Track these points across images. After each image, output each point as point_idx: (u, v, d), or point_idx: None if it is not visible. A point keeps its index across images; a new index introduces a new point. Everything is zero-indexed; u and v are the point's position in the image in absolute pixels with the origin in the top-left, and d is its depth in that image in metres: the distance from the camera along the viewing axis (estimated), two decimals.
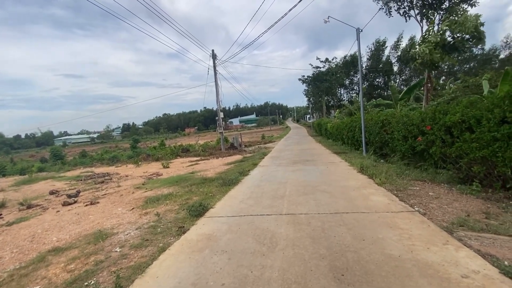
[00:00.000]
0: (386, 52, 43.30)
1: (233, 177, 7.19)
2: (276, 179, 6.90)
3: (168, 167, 13.10)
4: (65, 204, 7.06)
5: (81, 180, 12.15)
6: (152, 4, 53.24)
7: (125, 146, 49.39)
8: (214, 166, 11.39)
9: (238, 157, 14.47)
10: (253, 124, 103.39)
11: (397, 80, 44.19)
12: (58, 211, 6.52)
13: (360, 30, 9.61)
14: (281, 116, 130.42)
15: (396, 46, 41.07)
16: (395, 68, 42.64)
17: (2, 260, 3.75)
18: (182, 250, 3.16)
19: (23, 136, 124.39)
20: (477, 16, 8.21)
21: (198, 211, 4.45)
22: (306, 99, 57.36)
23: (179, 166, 13.24)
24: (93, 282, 2.68)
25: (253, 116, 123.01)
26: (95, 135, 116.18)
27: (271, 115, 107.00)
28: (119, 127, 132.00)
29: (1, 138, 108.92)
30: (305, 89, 50.06)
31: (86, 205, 6.66)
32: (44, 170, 23.86)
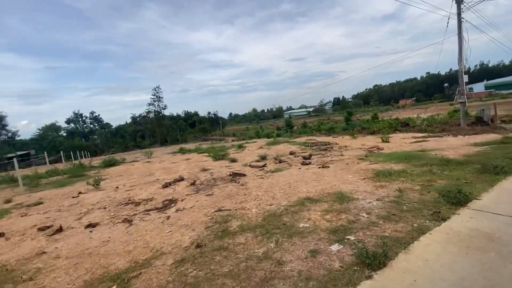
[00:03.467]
0: None
1: (503, 163, 5.10)
2: None
3: (387, 142, 12.18)
4: (303, 164, 8.66)
5: (308, 146, 14.46)
6: None
7: (336, 119, 52.80)
8: (452, 146, 8.97)
9: (492, 136, 10.40)
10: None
11: None
12: (300, 168, 8.11)
13: None
14: None
15: None
16: None
17: (276, 196, 5.22)
18: (450, 240, 2.62)
19: (265, 111, 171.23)
20: None
21: (457, 199, 3.56)
22: None
23: (401, 142, 11.85)
24: (353, 238, 2.91)
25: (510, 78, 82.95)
26: (311, 109, 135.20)
27: None
28: (330, 101, 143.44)
29: (255, 112, 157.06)
30: None
31: (319, 167, 7.73)
32: (280, 136, 31.36)
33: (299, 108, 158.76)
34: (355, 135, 16.62)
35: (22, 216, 6.08)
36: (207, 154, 15.89)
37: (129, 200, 6.46)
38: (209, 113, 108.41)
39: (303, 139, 20.75)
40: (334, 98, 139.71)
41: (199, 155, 17.09)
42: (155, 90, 64.76)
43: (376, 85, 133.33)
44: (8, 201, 7.99)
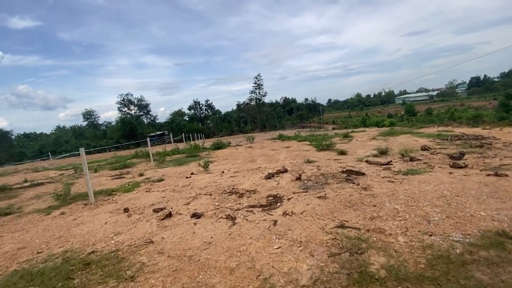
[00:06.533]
0: None
1: None
2: None
3: None
4: (454, 166, 6.08)
5: (446, 139, 10.84)
6: None
7: (474, 104, 40.51)
8: None
9: None
10: None
11: None
12: (451, 173, 5.66)
13: None
14: None
15: None
16: None
17: (432, 217, 3.42)
18: None
19: (371, 96, 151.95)
20: None
21: None
22: None
23: None
24: None
25: None
26: (434, 93, 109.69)
27: None
28: (464, 82, 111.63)
29: (358, 97, 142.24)
30: None
31: (488, 175, 5.10)
32: (394, 125, 26.22)
33: (417, 92, 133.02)
34: None
35: (146, 191, 6.70)
36: (309, 143, 14.64)
37: (233, 188, 6.08)
38: (306, 99, 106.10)
39: (431, 129, 16.28)
40: (472, 78, 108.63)
41: (299, 143, 16.05)
42: (256, 78, 68.21)
43: None
44: (141, 174, 9.37)
